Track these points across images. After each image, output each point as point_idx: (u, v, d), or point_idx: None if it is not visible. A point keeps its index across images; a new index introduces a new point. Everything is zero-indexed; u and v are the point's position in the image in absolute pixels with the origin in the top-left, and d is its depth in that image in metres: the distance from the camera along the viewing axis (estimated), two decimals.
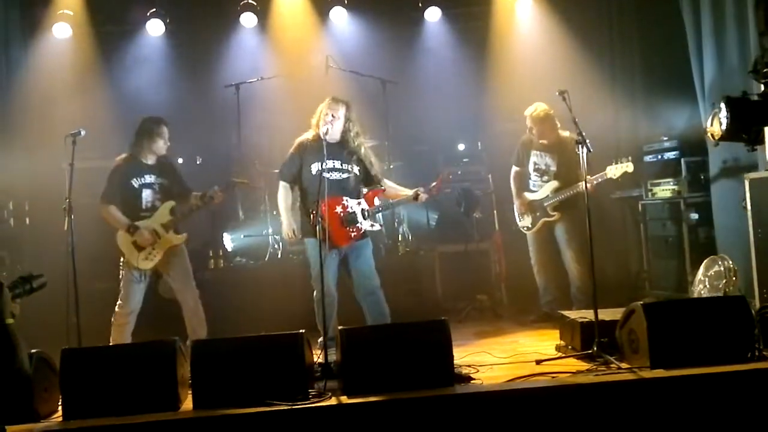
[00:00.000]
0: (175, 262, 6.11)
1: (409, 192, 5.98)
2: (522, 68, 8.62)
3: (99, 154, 7.89)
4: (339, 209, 5.70)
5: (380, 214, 7.88)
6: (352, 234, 5.76)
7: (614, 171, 6.61)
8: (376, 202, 5.94)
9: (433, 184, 5.93)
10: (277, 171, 6.63)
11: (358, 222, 5.77)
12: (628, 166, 6.58)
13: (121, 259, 6.04)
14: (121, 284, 6.04)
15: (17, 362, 4.33)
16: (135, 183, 6.04)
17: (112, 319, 6.00)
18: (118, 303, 6.03)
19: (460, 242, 8.21)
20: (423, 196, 5.91)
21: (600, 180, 6.64)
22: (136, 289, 6.01)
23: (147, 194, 6.06)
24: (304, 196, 5.87)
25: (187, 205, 6.17)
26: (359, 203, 5.82)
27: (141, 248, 5.96)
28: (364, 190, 5.99)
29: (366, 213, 5.83)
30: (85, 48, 8.63)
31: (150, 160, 6.13)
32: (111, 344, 5.81)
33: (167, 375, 4.51)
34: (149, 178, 6.08)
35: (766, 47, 5.35)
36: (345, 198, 5.75)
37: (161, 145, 6.13)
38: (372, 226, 5.89)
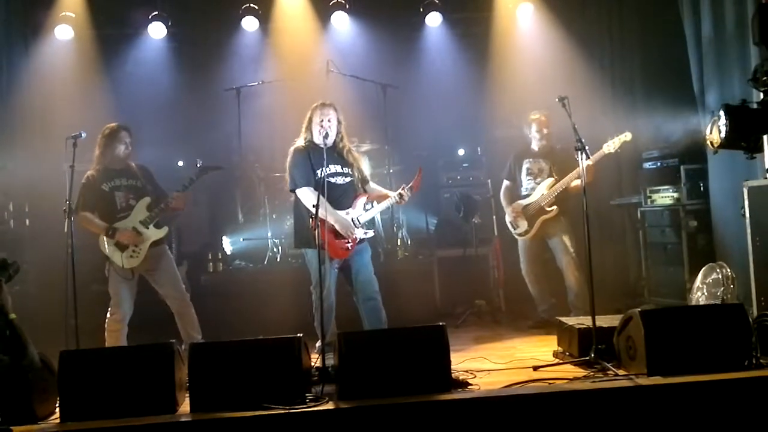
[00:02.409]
0: (160, 266, 6.09)
1: (393, 193, 5.94)
2: (522, 74, 8.63)
3: None
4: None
5: (379, 218, 7.95)
6: (348, 245, 5.72)
7: (612, 145, 6.57)
8: (365, 207, 5.88)
9: (412, 182, 5.88)
10: (278, 174, 6.64)
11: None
12: (627, 135, 6.55)
13: (106, 265, 6.01)
14: (110, 290, 6.01)
15: (27, 358, 4.35)
16: (105, 187, 6.01)
17: (106, 326, 5.98)
18: (109, 310, 6.00)
19: (459, 247, 8.21)
20: (406, 195, 5.86)
21: (599, 158, 6.61)
22: (125, 292, 5.97)
23: (119, 195, 6.03)
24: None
25: (162, 205, 6.08)
26: (347, 213, 5.75)
27: (124, 247, 5.93)
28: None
29: (356, 221, 5.78)
30: (86, 50, 8.65)
31: (117, 165, 6.11)
32: (110, 346, 5.80)
33: (165, 378, 4.52)
34: (119, 181, 6.06)
35: (763, 57, 5.36)
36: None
37: (122, 150, 6.07)
38: (365, 233, 5.83)
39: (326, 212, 5.56)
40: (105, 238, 5.92)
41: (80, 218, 5.91)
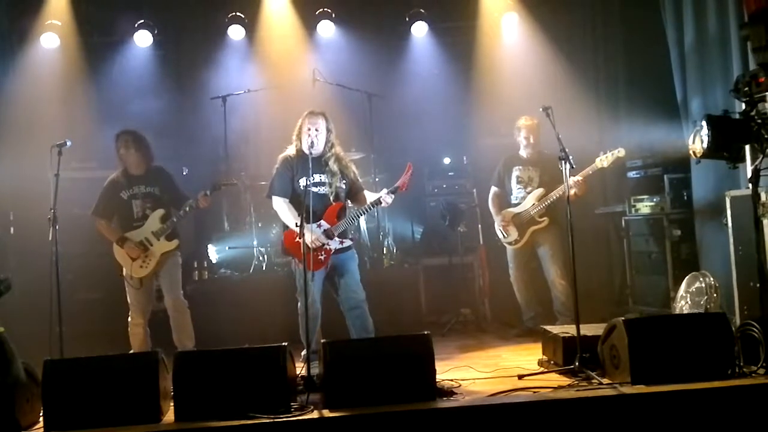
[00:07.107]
0: (164, 269, 6.20)
1: (375, 196, 5.84)
2: (507, 83, 8.68)
3: (84, 165, 7.90)
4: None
5: (364, 226, 7.95)
6: (321, 257, 5.68)
7: (604, 161, 6.59)
8: (338, 219, 5.77)
9: (399, 181, 5.76)
10: (264, 183, 6.62)
11: (323, 244, 5.69)
12: (620, 152, 6.58)
13: (123, 271, 6.16)
14: (127, 295, 6.17)
15: (11, 375, 4.30)
16: (124, 195, 6.19)
17: (128, 330, 6.16)
18: (129, 314, 6.16)
19: (445, 255, 8.21)
20: (387, 198, 5.73)
21: (590, 172, 6.66)
22: (138, 297, 6.13)
23: (137, 204, 6.20)
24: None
25: (179, 212, 6.24)
26: (319, 225, 5.69)
27: (135, 258, 6.07)
28: (348, 203, 5.99)
29: (329, 233, 5.71)
30: (72, 58, 8.63)
31: (137, 170, 6.23)
32: (94, 356, 5.78)
33: (149, 387, 4.52)
34: (137, 189, 6.21)
35: (760, 62, 5.36)
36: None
37: (128, 155, 6.22)
38: (342, 243, 5.76)
39: (301, 225, 5.50)
40: (117, 246, 6.11)
41: (97, 224, 6.21)
